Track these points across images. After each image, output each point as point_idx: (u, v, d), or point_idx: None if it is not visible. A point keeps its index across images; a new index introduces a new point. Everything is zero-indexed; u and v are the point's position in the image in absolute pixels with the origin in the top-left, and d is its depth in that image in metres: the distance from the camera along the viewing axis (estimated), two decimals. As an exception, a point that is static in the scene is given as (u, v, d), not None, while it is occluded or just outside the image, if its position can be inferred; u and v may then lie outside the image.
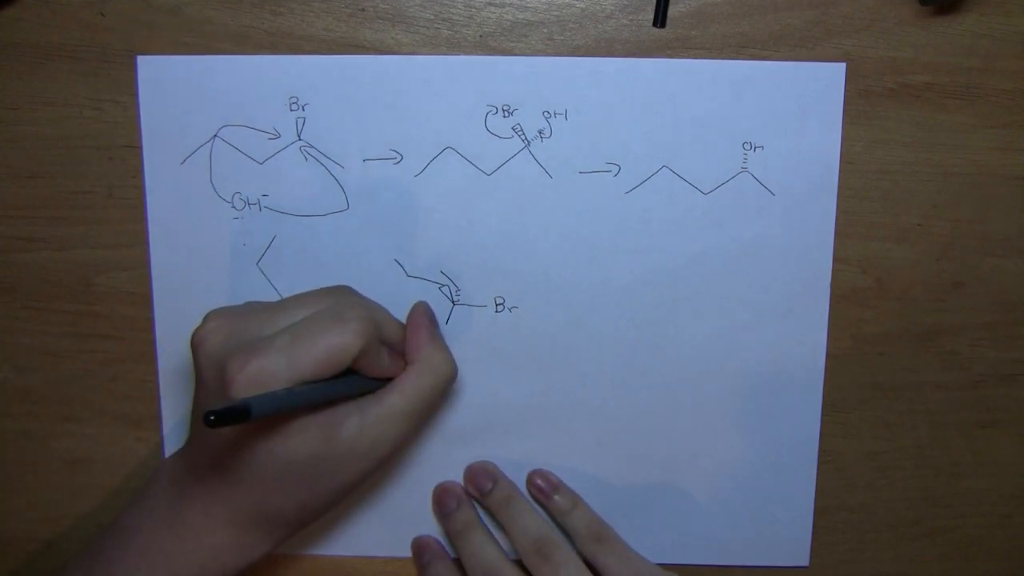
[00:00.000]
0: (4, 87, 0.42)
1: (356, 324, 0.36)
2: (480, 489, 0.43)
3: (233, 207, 0.42)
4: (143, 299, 0.43)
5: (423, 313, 0.40)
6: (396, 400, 0.38)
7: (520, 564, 0.41)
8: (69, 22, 0.41)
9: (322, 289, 0.39)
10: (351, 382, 0.37)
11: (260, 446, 0.35)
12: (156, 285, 0.43)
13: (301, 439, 0.35)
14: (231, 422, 0.32)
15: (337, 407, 0.37)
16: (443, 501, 0.44)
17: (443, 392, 0.40)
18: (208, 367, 0.36)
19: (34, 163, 0.42)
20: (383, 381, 0.39)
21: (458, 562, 0.44)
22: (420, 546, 0.45)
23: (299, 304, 0.37)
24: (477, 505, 0.44)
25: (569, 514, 0.43)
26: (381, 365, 0.38)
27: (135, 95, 0.42)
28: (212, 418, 0.31)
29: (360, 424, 0.36)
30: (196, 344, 0.36)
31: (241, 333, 0.36)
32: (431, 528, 0.45)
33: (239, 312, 0.37)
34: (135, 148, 0.42)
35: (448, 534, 0.44)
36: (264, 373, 0.34)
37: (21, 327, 0.44)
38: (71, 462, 0.45)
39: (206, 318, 0.37)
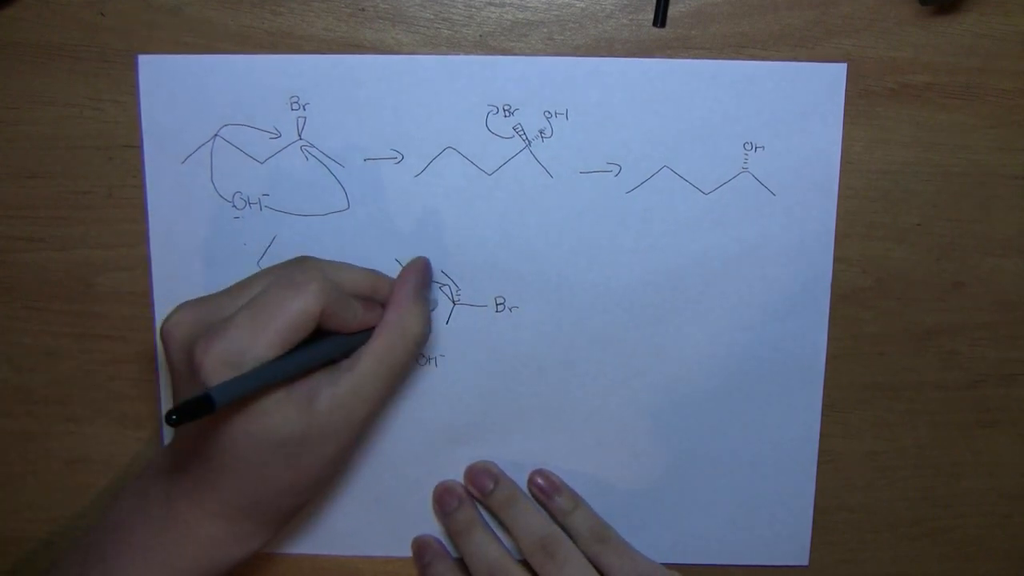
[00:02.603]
0: (4, 87, 0.42)
1: (311, 285, 0.35)
2: (481, 489, 0.43)
3: (234, 207, 0.42)
4: (143, 299, 0.43)
5: (412, 270, 0.40)
6: (366, 365, 0.37)
7: (523, 563, 0.41)
8: (69, 22, 0.41)
9: (280, 263, 0.39)
10: (328, 344, 0.37)
11: (238, 430, 0.35)
12: (156, 285, 0.43)
13: (279, 417, 0.35)
14: (195, 416, 0.31)
15: (310, 380, 0.36)
16: (444, 500, 0.44)
17: (413, 353, 0.39)
18: (178, 358, 0.36)
19: (34, 163, 0.42)
20: (367, 333, 0.38)
21: (459, 562, 0.44)
22: (421, 546, 0.45)
23: (257, 280, 0.37)
24: (478, 505, 0.44)
25: (571, 514, 0.43)
26: (355, 319, 0.37)
27: (135, 95, 0.42)
28: (174, 417, 0.31)
29: (333, 394, 0.36)
30: (164, 336, 0.36)
31: (205, 318, 0.36)
32: (432, 528, 0.45)
33: (203, 299, 0.37)
34: (135, 148, 0.42)
35: (450, 533, 0.44)
36: (229, 353, 0.34)
37: (21, 327, 0.44)
38: (71, 462, 0.45)
39: (172, 310, 0.37)
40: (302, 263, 0.38)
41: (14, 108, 0.42)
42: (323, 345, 0.37)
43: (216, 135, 0.42)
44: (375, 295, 0.39)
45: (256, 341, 0.34)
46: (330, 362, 0.37)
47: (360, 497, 0.45)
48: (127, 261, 0.43)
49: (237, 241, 0.42)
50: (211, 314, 0.36)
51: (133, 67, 0.41)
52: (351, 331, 0.37)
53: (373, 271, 0.40)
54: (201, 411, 0.32)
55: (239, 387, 0.33)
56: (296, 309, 0.35)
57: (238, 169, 0.42)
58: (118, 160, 0.42)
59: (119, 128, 0.42)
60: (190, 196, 0.42)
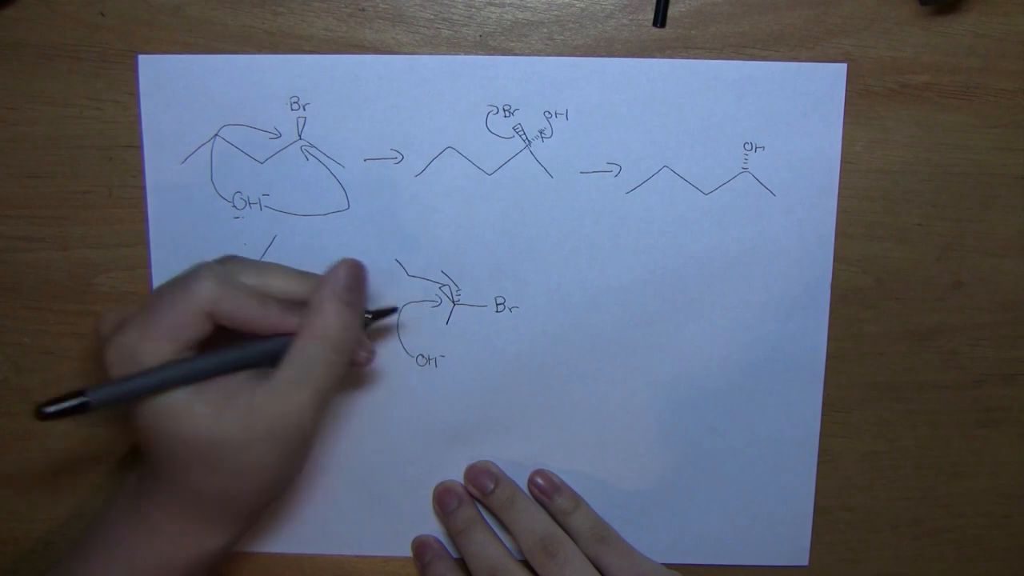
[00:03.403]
0: (4, 87, 0.42)
1: (199, 283, 0.35)
2: (482, 489, 0.43)
3: (234, 206, 0.42)
4: (143, 299, 0.43)
5: (334, 271, 0.37)
6: (284, 372, 0.36)
7: (523, 563, 0.41)
8: (69, 22, 0.41)
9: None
10: (246, 348, 0.36)
11: (154, 429, 0.35)
12: (156, 285, 0.43)
13: (188, 420, 0.34)
14: (68, 413, 0.31)
15: (227, 384, 0.35)
16: (444, 500, 0.44)
17: (333, 360, 0.36)
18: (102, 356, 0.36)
19: (34, 163, 0.42)
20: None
21: (459, 562, 0.44)
22: (421, 545, 0.45)
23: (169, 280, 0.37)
24: (478, 505, 0.44)
25: (571, 514, 0.43)
26: (265, 319, 0.36)
27: (135, 95, 0.42)
28: (44, 411, 0.31)
29: (250, 402, 0.35)
30: (97, 336, 0.37)
31: (123, 317, 0.36)
32: (432, 528, 0.45)
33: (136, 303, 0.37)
34: (135, 148, 0.42)
35: (450, 533, 0.44)
36: (123, 350, 0.34)
37: (21, 327, 0.44)
38: (71, 462, 0.45)
39: (103, 312, 0.37)
40: (204, 264, 0.37)
41: (14, 108, 0.42)
42: (238, 349, 0.36)
43: (216, 135, 0.42)
44: (301, 299, 0.38)
45: (145, 339, 0.34)
46: (250, 362, 0.36)
47: (360, 497, 0.45)
48: (127, 261, 0.43)
49: (237, 241, 0.42)
50: (128, 314, 0.36)
51: (133, 67, 0.41)
52: (268, 332, 0.36)
53: (308, 274, 0.38)
54: (74, 408, 0.31)
55: (118, 388, 0.33)
56: (180, 308, 0.35)
57: (238, 169, 0.42)
58: (118, 160, 0.42)
59: (119, 128, 0.42)
60: (190, 196, 0.42)
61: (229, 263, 0.37)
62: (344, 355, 0.37)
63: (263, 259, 0.42)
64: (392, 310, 0.42)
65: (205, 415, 0.35)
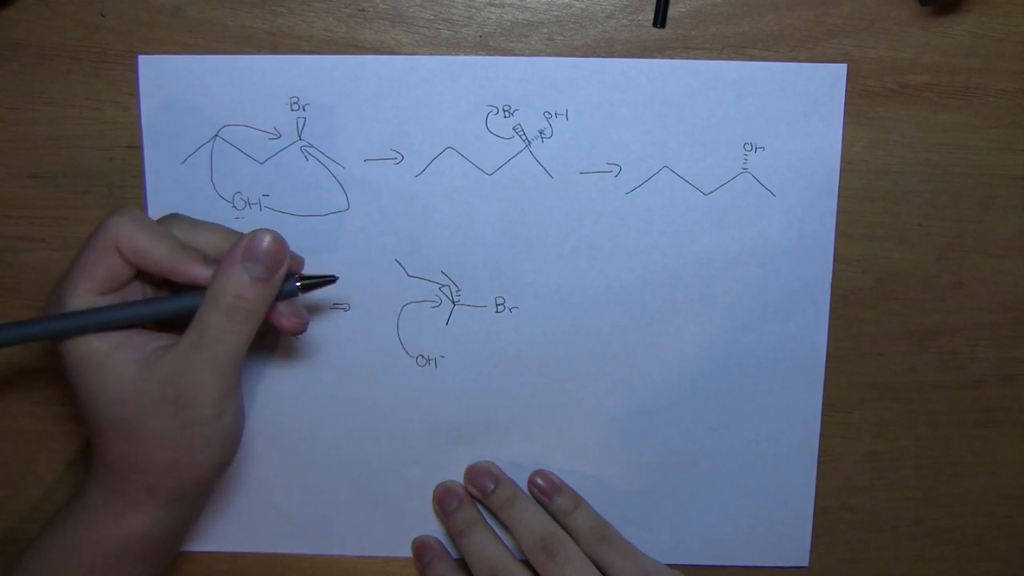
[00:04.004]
0: (4, 87, 0.42)
1: (112, 217, 0.34)
2: (482, 489, 0.43)
3: (234, 207, 0.42)
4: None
5: (240, 243, 0.35)
6: (186, 336, 0.34)
7: (524, 563, 0.41)
8: (69, 22, 0.41)
9: None
10: (150, 304, 0.35)
11: (76, 383, 0.35)
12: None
13: (101, 376, 0.34)
14: None
15: (144, 342, 0.35)
16: (444, 500, 0.44)
17: (228, 330, 0.34)
18: None
19: (34, 163, 0.42)
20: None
21: (459, 562, 0.44)
22: (421, 546, 0.45)
23: None
24: (479, 505, 0.44)
25: (572, 514, 0.43)
26: (179, 265, 0.35)
27: (135, 95, 0.42)
28: None
29: (154, 363, 0.34)
30: None
31: None
32: (432, 528, 0.45)
33: None
34: (135, 148, 0.42)
35: (450, 533, 0.44)
36: (55, 295, 0.35)
37: (21, 327, 0.44)
38: (71, 462, 0.45)
39: None
40: (124, 205, 0.36)
41: (14, 108, 0.42)
42: (156, 301, 0.35)
43: (216, 135, 0.42)
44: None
45: (68, 281, 0.35)
46: (152, 318, 0.36)
47: (360, 497, 0.45)
48: (127, 261, 0.43)
49: (237, 241, 0.42)
50: None
51: (133, 67, 0.41)
52: (185, 281, 0.35)
53: (240, 234, 0.36)
54: None
55: (24, 328, 0.34)
56: (90, 243, 0.35)
57: (238, 169, 0.42)
58: (118, 160, 0.42)
59: (119, 128, 0.42)
60: (190, 196, 0.42)
61: (166, 217, 0.38)
62: (240, 323, 0.34)
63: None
64: (330, 279, 0.38)
65: (116, 371, 0.34)
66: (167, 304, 0.36)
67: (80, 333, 0.34)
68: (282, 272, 0.35)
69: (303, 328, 0.38)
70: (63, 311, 0.34)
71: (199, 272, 0.35)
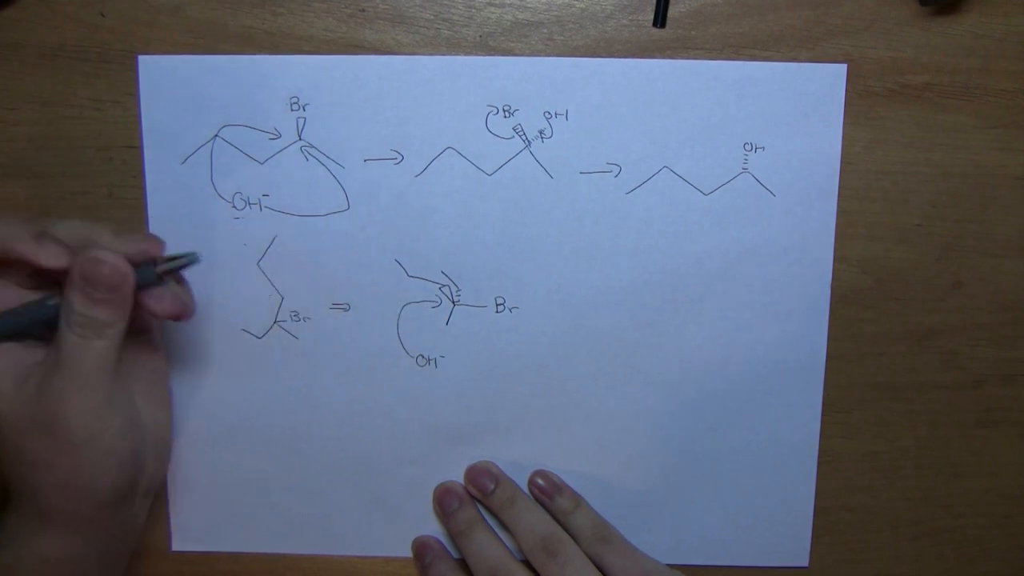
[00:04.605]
0: (4, 87, 0.42)
1: None
2: (482, 489, 0.43)
3: (234, 207, 0.42)
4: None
5: (76, 264, 0.33)
6: (45, 358, 0.33)
7: (525, 563, 0.41)
8: (69, 22, 0.41)
9: None
10: (30, 310, 0.34)
11: None
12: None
13: None
14: None
15: (18, 356, 0.34)
16: (445, 501, 0.44)
17: (73, 341, 0.33)
18: None
19: (34, 163, 0.42)
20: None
21: (460, 562, 0.44)
22: (421, 546, 0.45)
23: None
24: (479, 505, 0.44)
25: (572, 514, 0.43)
26: (40, 254, 0.33)
27: (135, 95, 0.42)
28: None
29: (10, 376, 0.33)
30: None
31: None
32: (432, 528, 0.45)
33: None
34: (135, 148, 0.42)
35: (451, 533, 0.44)
36: None
37: (21, 327, 0.44)
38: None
39: None
40: None
41: (14, 108, 0.42)
42: (29, 308, 0.34)
43: (216, 135, 0.42)
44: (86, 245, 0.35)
45: None
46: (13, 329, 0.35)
47: (360, 497, 0.45)
48: (127, 261, 0.43)
49: (237, 241, 0.42)
50: None
51: (133, 67, 0.41)
52: (42, 265, 0.34)
53: (91, 227, 0.35)
54: None
55: None
56: None
57: (238, 169, 0.42)
58: (118, 160, 0.42)
59: (119, 128, 0.42)
60: (190, 196, 0.42)
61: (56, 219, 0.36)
62: (93, 339, 0.33)
63: (262, 261, 0.42)
64: (190, 257, 0.36)
65: (5, 396, 0.33)
66: (39, 311, 0.34)
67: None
68: (128, 287, 0.34)
69: (185, 313, 0.36)
70: None
71: (55, 256, 0.33)
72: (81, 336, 0.33)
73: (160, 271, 0.36)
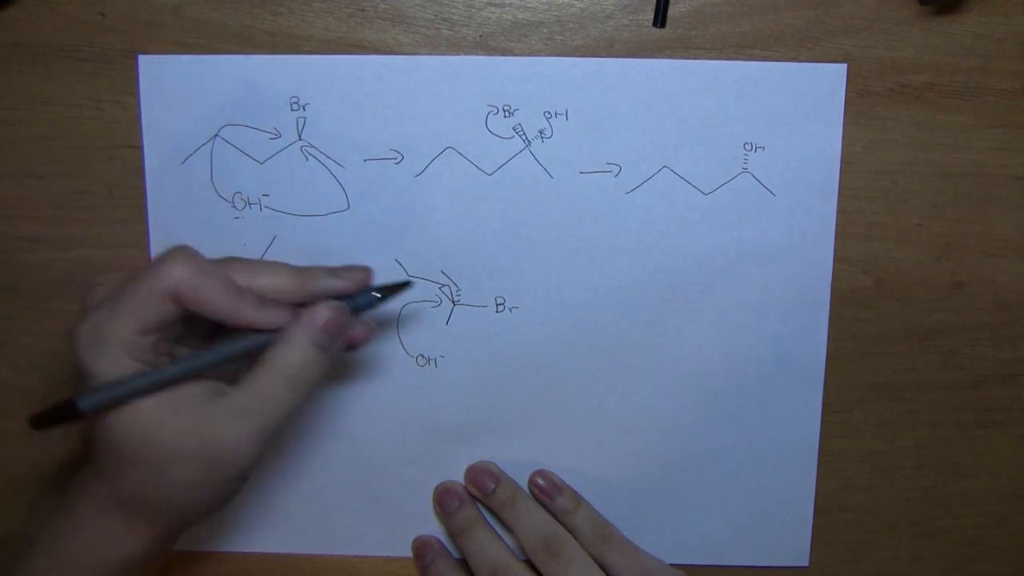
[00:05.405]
0: (4, 87, 0.42)
1: (167, 263, 0.34)
2: (483, 489, 0.43)
3: (234, 207, 0.42)
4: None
5: (314, 313, 0.36)
6: (235, 398, 0.35)
7: (526, 562, 0.41)
8: (69, 22, 0.41)
9: None
10: (214, 351, 0.35)
11: (108, 429, 0.34)
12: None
13: (134, 421, 0.34)
14: (59, 421, 0.30)
15: (187, 394, 0.35)
16: (445, 500, 0.44)
17: (286, 399, 0.35)
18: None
19: (34, 163, 0.42)
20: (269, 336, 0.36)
21: (460, 562, 0.44)
22: (422, 545, 0.45)
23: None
24: (479, 505, 0.44)
25: (573, 514, 0.43)
26: (239, 311, 0.35)
27: (135, 95, 0.42)
28: (36, 422, 0.30)
29: (198, 418, 0.34)
30: (82, 308, 0.36)
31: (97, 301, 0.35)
32: (432, 528, 0.45)
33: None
34: (135, 148, 0.42)
35: (451, 533, 0.44)
36: (90, 331, 0.34)
37: (21, 327, 0.44)
38: (71, 462, 0.45)
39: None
40: (180, 246, 0.35)
41: (14, 108, 0.42)
42: (206, 353, 0.35)
43: (216, 135, 0.42)
44: (295, 297, 0.36)
45: (112, 318, 0.33)
46: (217, 365, 0.36)
47: (360, 497, 0.45)
48: (127, 261, 0.43)
49: (237, 241, 0.42)
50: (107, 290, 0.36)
51: (133, 67, 0.41)
52: (241, 325, 0.35)
53: (307, 275, 0.37)
54: (65, 416, 0.31)
55: (105, 395, 0.33)
56: (145, 286, 0.34)
57: (238, 169, 0.42)
58: (118, 160, 0.42)
59: (119, 128, 0.42)
60: (190, 196, 0.42)
61: (224, 260, 0.37)
62: (299, 393, 0.35)
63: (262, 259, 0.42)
64: (404, 284, 0.39)
65: (160, 423, 0.34)
66: (227, 350, 0.35)
67: (155, 392, 0.34)
68: (340, 340, 0.37)
69: (368, 338, 0.38)
70: (106, 351, 0.33)
71: (263, 318, 0.35)
72: (291, 390, 0.35)
73: (377, 298, 0.38)
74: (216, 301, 0.34)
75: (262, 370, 0.35)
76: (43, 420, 0.31)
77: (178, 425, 0.34)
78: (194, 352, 0.35)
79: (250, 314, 0.35)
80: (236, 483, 0.36)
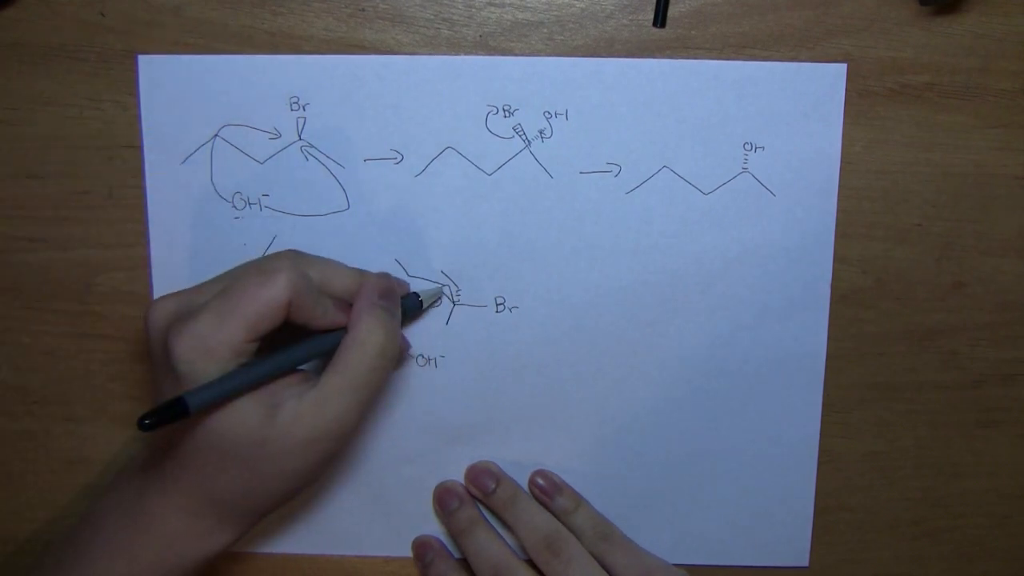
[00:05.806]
0: (4, 87, 0.42)
1: (280, 275, 0.35)
2: (483, 489, 0.43)
3: (234, 207, 0.42)
4: (143, 299, 0.43)
5: (370, 284, 0.38)
6: (330, 380, 0.36)
7: (527, 562, 0.41)
8: (69, 22, 0.41)
9: (264, 255, 0.39)
10: (302, 348, 0.37)
11: (200, 425, 0.35)
12: (156, 285, 0.43)
13: (239, 419, 0.34)
14: (169, 420, 0.31)
15: (277, 387, 0.36)
16: (445, 500, 0.44)
17: (378, 367, 0.37)
18: (157, 346, 0.36)
19: (34, 163, 0.42)
20: (342, 333, 0.37)
21: (461, 561, 0.44)
22: (422, 545, 0.45)
23: (237, 269, 0.38)
24: (479, 504, 0.44)
25: (573, 514, 0.43)
26: (324, 316, 0.37)
27: (135, 95, 0.42)
28: (147, 422, 0.31)
29: (296, 407, 0.35)
30: (146, 325, 0.36)
31: (184, 307, 0.36)
32: (432, 528, 0.45)
33: (185, 290, 0.37)
34: (135, 148, 0.42)
35: (452, 533, 0.44)
36: (198, 338, 0.34)
37: (21, 327, 0.44)
38: (71, 462, 0.45)
39: (155, 300, 0.37)
40: (279, 254, 0.38)
41: (14, 108, 0.42)
42: (297, 349, 0.36)
43: (216, 135, 0.42)
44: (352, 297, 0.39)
45: (222, 327, 0.34)
46: (305, 361, 0.37)
47: (360, 497, 0.45)
48: (127, 261, 0.43)
49: (237, 241, 0.42)
50: (190, 302, 0.36)
51: (133, 67, 0.41)
52: (321, 328, 0.37)
53: (361, 272, 0.39)
54: (175, 415, 0.31)
55: (213, 392, 0.33)
56: (262, 297, 0.34)
57: (238, 169, 0.42)
58: (118, 160, 0.42)
59: (119, 128, 0.42)
60: (190, 196, 0.42)
61: (296, 256, 0.38)
62: (389, 360, 0.37)
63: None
64: (439, 291, 0.43)
65: (256, 419, 0.35)
66: (312, 347, 0.37)
67: (270, 380, 0.36)
68: (397, 306, 0.39)
69: (408, 348, 0.43)
70: (216, 359, 0.34)
71: (340, 320, 0.37)
72: (382, 358, 0.37)
73: (420, 303, 0.42)
74: (314, 309, 0.36)
75: (350, 349, 0.36)
76: (153, 420, 0.31)
77: (284, 420, 0.35)
78: (285, 348, 0.36)
79: (339, 320, 0.37)
80: (329, 462, 0.37)
